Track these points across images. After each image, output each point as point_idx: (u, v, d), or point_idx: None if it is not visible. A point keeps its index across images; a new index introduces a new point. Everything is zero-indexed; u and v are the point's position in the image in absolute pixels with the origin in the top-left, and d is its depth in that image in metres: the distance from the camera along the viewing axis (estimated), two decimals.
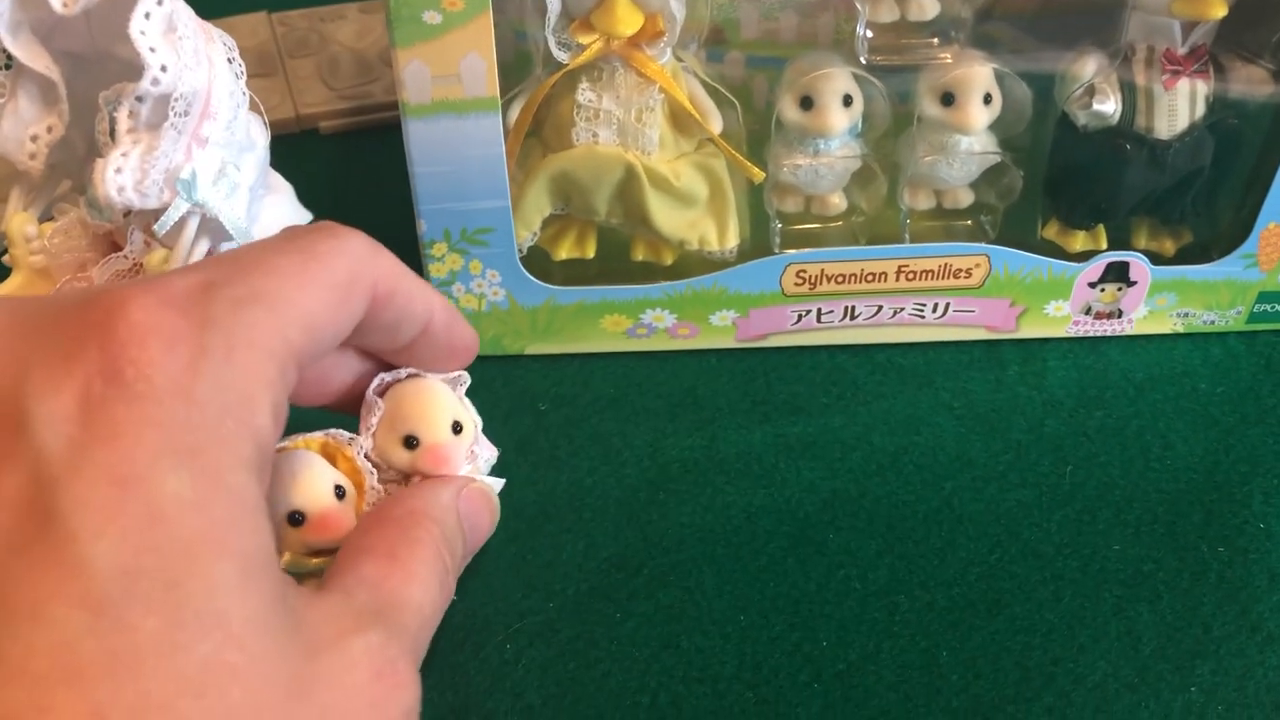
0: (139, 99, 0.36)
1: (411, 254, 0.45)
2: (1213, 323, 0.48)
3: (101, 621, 0.21)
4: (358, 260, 0.29)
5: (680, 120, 0.43)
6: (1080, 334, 0.48)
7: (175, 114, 0.36)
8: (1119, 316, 0.47)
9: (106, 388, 0.23)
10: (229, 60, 0.38)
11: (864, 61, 0.43)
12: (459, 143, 0.40)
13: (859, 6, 0.43)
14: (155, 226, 0.37)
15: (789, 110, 0.44)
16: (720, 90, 0.43)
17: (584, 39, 0.40)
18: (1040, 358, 0.47)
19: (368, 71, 0.59)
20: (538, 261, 0.46)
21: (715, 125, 0.43)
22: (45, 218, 0.41)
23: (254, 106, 0.40)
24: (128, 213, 0.38)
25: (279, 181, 0.42)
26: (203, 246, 0.38)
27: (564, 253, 0.46)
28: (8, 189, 0.41)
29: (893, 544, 0.40)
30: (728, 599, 0.39)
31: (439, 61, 0.39)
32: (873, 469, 0.43)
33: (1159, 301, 0.47)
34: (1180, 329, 0.48)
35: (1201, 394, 0.46)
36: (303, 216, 0.43)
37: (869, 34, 0.43)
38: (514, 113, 0.42)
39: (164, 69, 0.35)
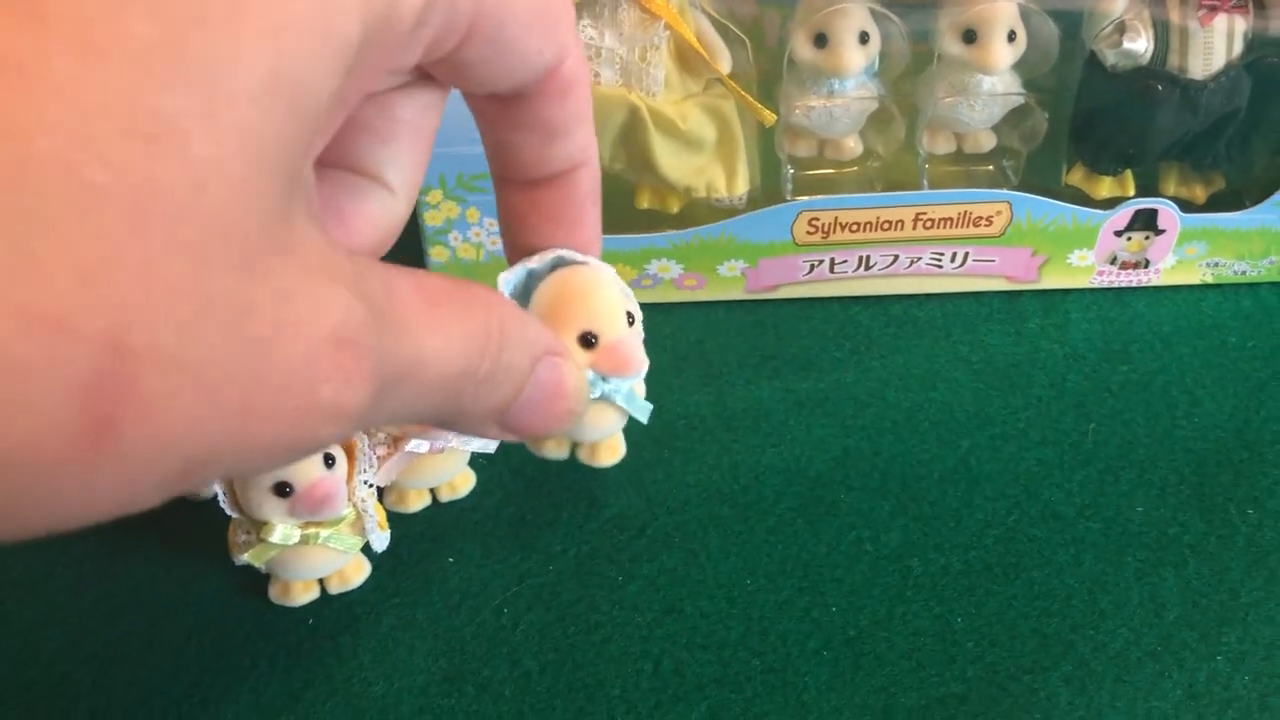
0: None
1: None
2: (1244, 273, 0.46)
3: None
4: None
5: (687, 59, 0.41)
6: (1105, 285, 0.46)
7: None
8: (1145, 266, 0.45)
9: None
10: None
11: None
12: None
13: None
14: None
15: (802, 48, 0.42)
16: (730, 28, 0.41)
17: None
18: (1062, 310, 0.46)
19: None
20: None
21: (724, 64, 0.41)
22: None
23: None
24: None
25: None
26: None
27: None
28: None
29: (906, 505, 0.39)
30: (734, 562, 0.37)
31: None
32: (886, 426, 0.41)
33: (1188, 251, 0.45)
34: (1210, 279, 0.46)
35: (1231, 348, 0.44)
36: None
37: None
38: None
39: None
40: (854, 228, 0.43)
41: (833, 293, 0.46)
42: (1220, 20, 0.41)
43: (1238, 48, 0.41)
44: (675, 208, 0.44)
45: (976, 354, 0.44)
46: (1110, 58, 0.42)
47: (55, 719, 0.34)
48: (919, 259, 0.44)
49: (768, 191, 0.44)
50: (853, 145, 0.44)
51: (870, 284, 0.45)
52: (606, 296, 0.31)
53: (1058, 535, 0.38)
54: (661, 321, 0.45)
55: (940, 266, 0.45)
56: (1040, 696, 0.34)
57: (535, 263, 0.29)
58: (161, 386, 0.17)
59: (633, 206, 0.45)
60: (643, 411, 0.33)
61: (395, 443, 0.36)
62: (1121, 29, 0.41)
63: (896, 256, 0.44)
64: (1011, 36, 0.41)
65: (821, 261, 0.44)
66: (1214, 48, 0.41)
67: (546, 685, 0.34)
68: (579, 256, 0.29)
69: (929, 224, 0.43)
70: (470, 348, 0.24)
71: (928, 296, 0.46)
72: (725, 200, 0.43)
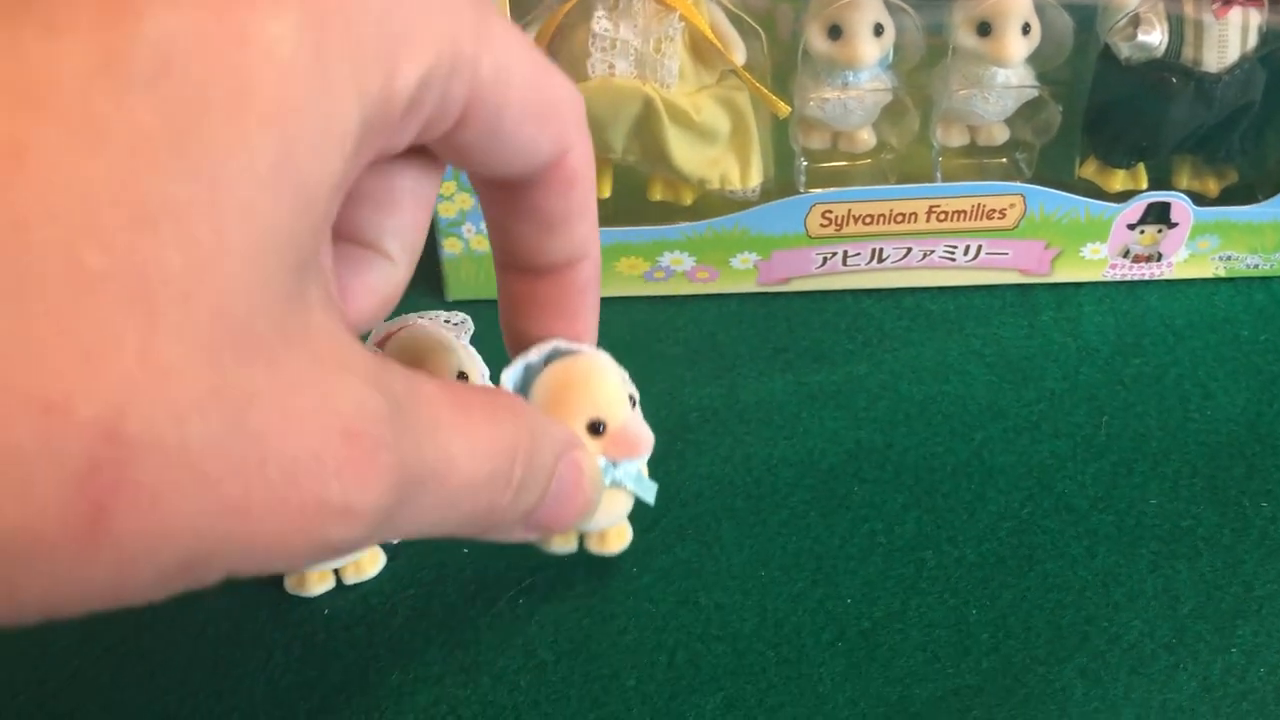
0: None
1: None
2: (1256, 266, 0.46)
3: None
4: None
5: (701, 51, 0.41)
6: (1117, 278, 0.46)
7: None
8: (1158, 260, 0.45)
9: None
10: None
11: None
12: None
13: None
14: None
15: (816, 40, 0.42)
16: (744, 18, 0.41)
17: None
18: (1075, 303, 0.45)
19: None
20: None
21: (738, 56, 0.41)
22: None
23: None
24: None
25: None
26: None
27: None
28: None
29: (920, 497, 0.39)
30: (748, 553, 0.37)
31: None
32: (899, 419, 0.41)
33: (1200, 244, 0.45)
34: (1222, 273, 0.46)
35: (1244, 341, 0.44)
36: None
37: None
38: None
39: None
40: (867, 220, 0.43)
41: (845, 285, 0.46)
42: (1235, 13, 0.41)
43: (1252, 41, 0.41)
44: (688, 200, 0.44)
45: (989, 347, 0.44)
46: (1124, 50, 0.42)
47: (71, 712, 0.34)
48: (932, 252, 0.44)
49: (781, 184, 0.44)
50: (866, 137, 0.45)
51: (883, 277, 0.45)
52: (608, 382, 0.31)
53: (1071, 528, 0.38)
54: (674, 314, 0.45)
55: (953, 259, 0.45)
56: (1055, 688, 0.34)
57: (533, 355, 0.30)
58: (157, 476, 0.16)
59: (646, 199, 0.45)
60: (649, 491, 0.33)
61: None
62: (1136, 22, 0.41)
63: (909, 249, 0.44)
64: (1026, 29, 0.41)
65: (834, 254, 0.44)
66: (1228, 41, 0.41)
67: (561, 675, 0.34)
68: (574, 346, 0.30)
69: (942, 216, 0.43)
70: (501, 453, 0.23)
71: (940, 289, 0.46)
72: (739, 192, 0.43)
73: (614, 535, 0.35)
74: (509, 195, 0.26)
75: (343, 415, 0.19)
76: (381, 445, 0.19)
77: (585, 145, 0.26)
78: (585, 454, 0.28)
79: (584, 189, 0.26)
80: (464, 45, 0.21)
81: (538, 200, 0.26)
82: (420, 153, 0.24)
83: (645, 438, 0.31)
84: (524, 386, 0.31)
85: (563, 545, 0.34)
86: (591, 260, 0.28)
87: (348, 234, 0.25)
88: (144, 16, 0.17)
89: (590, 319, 0.30)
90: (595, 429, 0.31)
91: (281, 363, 0.18)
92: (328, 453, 0.18)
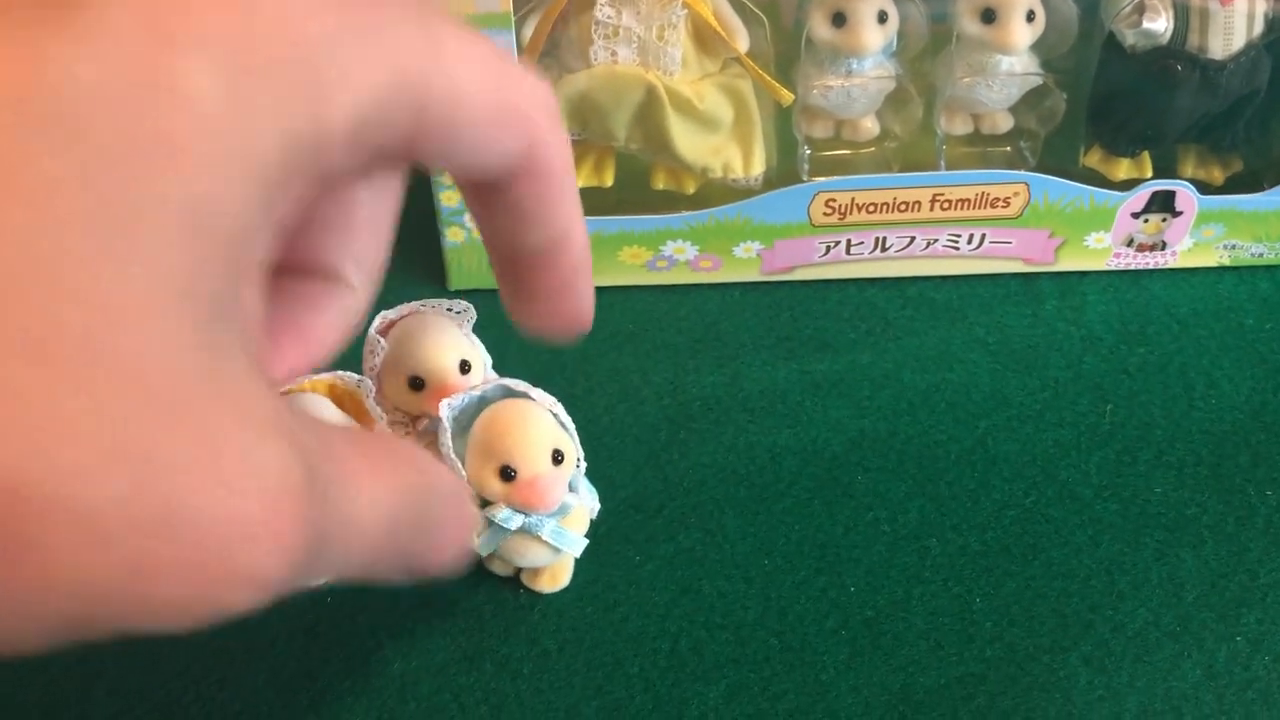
0: None
1: (421, 182, 0.43)
2: (1261, 255, 0.46)
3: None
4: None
5: (704, 38, 0.41)
6: (1121, 267, 0.46)
7: None
8: (1162, 249, 0.45)
9: None
10: None
11: None
12: None
13: None
14: None
15: (820, 27, 0.42)
16: (748, 6, 0.41)
17: None
18: (1079, 292, 0.45)
19: None
20: None
21: (741, 43, 0.41)
22: None
23: None
24: None
25: None
26: None
27: (581, 181, 0.44)
28: None
29: (924, 485, 0.39)
30: (751, 542, 0.37)
31: None
32: (903, 407, 0.41)
33: (1205, 233, 0.45)
34: (1226, 262, 0.46)
35: (1248, 330, 0.44)
36: None
37: None
38: (528, 30, 0.40)
39: None
40: (871, 209, 0.43)
41: (849, 274, 0.45)
42: (1241, 0, 0.41)
43: (1258, 28, 0.41)
44: (691, 188, 0.44)
45: (993, 336, 0.44)
46: (1129, 38, 0.42)
47: (74, 698, 0.34)
48: (936, 240, 0.44)
49: (784, 172, 0.44)
50: (870, 126, 0.44)
51: (886, 266, 0.45)
52: (532, 433, 0.33)
53: (1075, 516, 0.38)
54: (677, 303, 0.45)
55: (957, 248, 0.45)
56: (1059, 676, 0.34)
57: (479, 391, 0.32)
58: (52, 534, 0.16)
59: (648, 187, 0.45)
60: (573, 545, 0.35)
61: (414, 422, 0.36)
62: (1141, 9, 0.41)
63: (913, 238, 0.44)
64: (1030, 16, 0.41)
65: (838, 243, 0.44)
66: (1234, 28, 0.41)
67: (565, 663, 0.34)
68: (521, 387, 0.32)
69: (946, 205, 0.43)
70: (397, 507, 0.23)
71: (944, 278, 0.46)
72: (741, 181, 0.43)
73: (546, 576, 0.36)
74: (481, 192, 0.26)
75: (261, 480, 0.18)
76: (298, 515, 0.19)
77: (556, 137, 0.25)
78: (469, 504, 0.28)
79: (558, 179, 0.26)
80: (409, 72, 0.21)
81: (510, 196, 0.26)
82: (376, 175, 0.24)
83: (550, 495, 0.33)
84: (476, 414, 0.33)
85: (501, 569, 0.36)
86: (575, 242, 0.28)
87: (304, 263, 0.25)
88: (59, 62, 0.16)
89: (574, 304, 0.29)
90: (505, 474, 0.32)
91: (194, 421, 0.17)
92: (242, 518, 0.18)
